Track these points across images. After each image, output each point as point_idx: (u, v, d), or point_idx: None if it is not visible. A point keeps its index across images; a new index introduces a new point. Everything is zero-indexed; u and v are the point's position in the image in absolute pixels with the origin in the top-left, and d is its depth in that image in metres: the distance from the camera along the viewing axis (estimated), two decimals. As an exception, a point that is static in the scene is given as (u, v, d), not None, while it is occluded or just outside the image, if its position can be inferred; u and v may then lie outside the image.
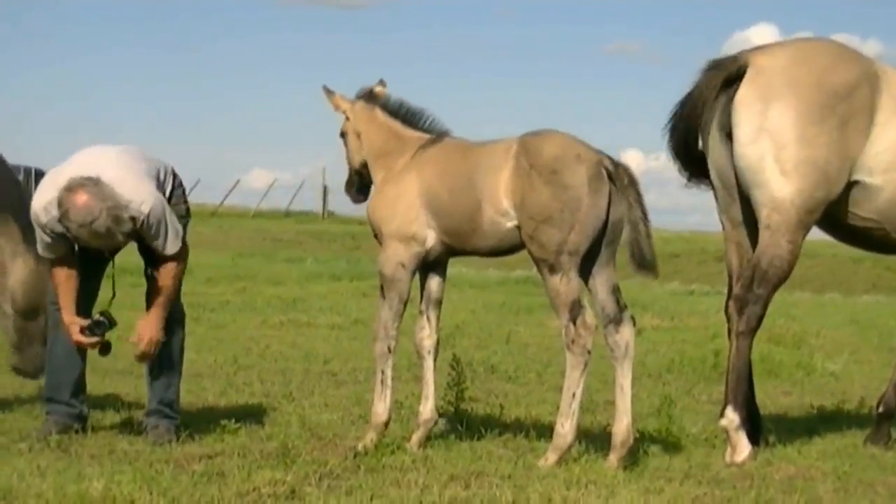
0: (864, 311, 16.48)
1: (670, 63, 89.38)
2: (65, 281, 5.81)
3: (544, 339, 11.56)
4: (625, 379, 5.54)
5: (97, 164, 5.67)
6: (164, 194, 5.89)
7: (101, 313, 5.87)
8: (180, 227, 5.86)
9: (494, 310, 14.30)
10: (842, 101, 6.03)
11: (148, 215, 5.64)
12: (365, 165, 6.17)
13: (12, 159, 7.22)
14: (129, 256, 6.22)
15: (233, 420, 6.15)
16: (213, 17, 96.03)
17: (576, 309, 5.45)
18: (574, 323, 5.44)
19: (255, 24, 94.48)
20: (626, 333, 5.54)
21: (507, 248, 5.74)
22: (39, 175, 10.15)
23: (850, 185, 6.12)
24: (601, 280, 5.59)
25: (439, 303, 6.06)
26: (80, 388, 6.11)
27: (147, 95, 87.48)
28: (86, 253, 5.82)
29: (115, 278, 5.97)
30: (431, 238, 5.84)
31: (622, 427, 5.53)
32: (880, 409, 6.66)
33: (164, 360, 6.03)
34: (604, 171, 5.46)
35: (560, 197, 5.41)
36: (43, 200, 5.65)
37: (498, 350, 10.67)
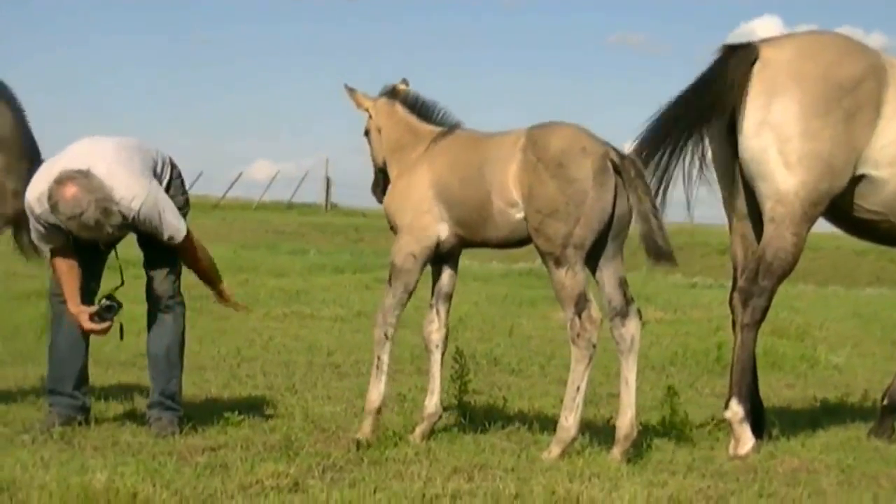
0: (867, 303, 16.46)
1: (673, 54, 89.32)
2: (66, 272, 5.81)
3: (547, 332, 11.56)
4: (630, 372, 5.54)
5: (90, 157, 5.68)
6: (161, 185, 5.88)
7: (107, 297, 5.88)
8: (181, 223, 5.84)
9: (497, 302, 14.28)
10: (847, 95, 6.02)
11: (139, 211, 5.65)
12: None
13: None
14: (133, 248, 6.22)
15: (236, 412, 6.16)
16: (216, 8, 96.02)
17: (581, 302, 5.44)
18: (579, 316, 5.44)
19: (257, 16, 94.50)
20: (631, 327, 5.54)
21: (517, 240, 5.73)
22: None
23: (856, 178, 6.11)
24: (608, 273, 5.58)
25: (449, 297, 6.07)
26: (82, 379, 6.12)
27: (149, 87, 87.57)
28: (85, 245, 5.81)
29: (121, 268, 5.97)
30: (444, 229, 5.85)
31: (626, 420, 5.53)
32: (885, 402, 6.66)
33: (165, 353, 6.04)
34: (609, 165, 5.45)
35: (565, 190, 5.40)
36: (36, 191, 5.66)
37: (501, 342, 10.67)
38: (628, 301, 5.56)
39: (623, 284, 5.58)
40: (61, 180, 5.51)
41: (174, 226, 5.80)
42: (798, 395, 8.35)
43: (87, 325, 5.82)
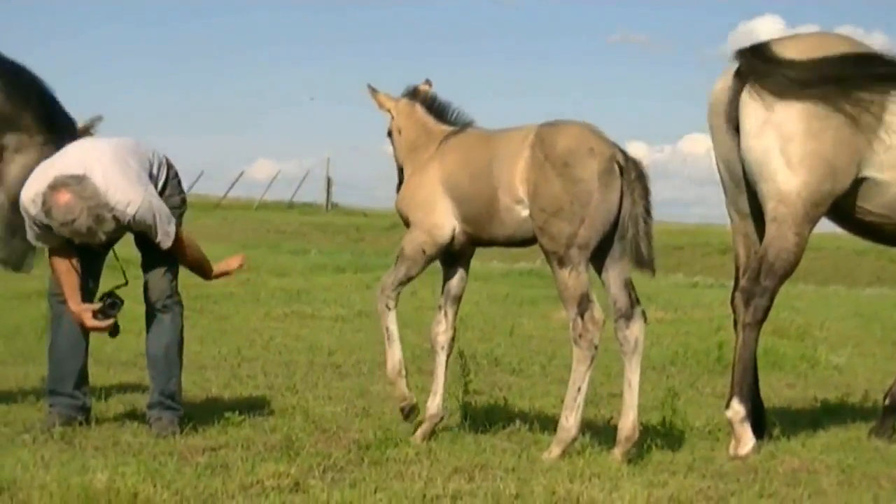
0: (868, 303, 16.45)
1: (675, 54, 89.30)
2: (65, 271, 5.82)
3: (548, 332, 11.56)
4: (633, 374, 5.53)
5: (86, 160, 5.69)
6: (156, 187, 5.90)
7: (108, 295, 5.89)
8: (172, 228, 5.85)
9: (498, 302, 14.29)
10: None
11: (134, 216, 5.67)
12: None
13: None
14: (134, 248, 6.22)
15: (236, 412, 6.16)
16: (217, 7, 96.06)
17: (584, 303, 5.44)
18: (582, 317, 5.43)
19: (258, 15, 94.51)
20: (636, 329, 5.53)
21: (522, 239, 5.72)
22: None
23: (860, 180, 6.10)
24: (614, 274, 5.58)
25: (458, 299, 6.10)
26: (82, 379, 6.12)
27: (150, 86, 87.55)
28: (83, 245, 5.81)
29: (122, 267, 5.98)
30: (453, 227, 5.87)
31: (628, 422, 5.52)
32: (887, 402, 6.65)
33: (164, 353, 6.04)
34: (616, 166, 5.44)
35: (570, 190, 5.40)
36: (31, 193, 5.67)
37: (501, 342, 10.67)
38: (633, 303, 5.56)
39: (629, 286, 5.57)
40: (55, 186, 5.54)
41: (165, 231, 5.82)
42: (798, 395, 8.34)
43: (91, 322, 5.83)
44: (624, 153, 5.51)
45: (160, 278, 6.03)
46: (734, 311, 6.27)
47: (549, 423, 6.19)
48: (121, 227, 5.74)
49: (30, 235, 5.84)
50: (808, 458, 5.85)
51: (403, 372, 6.06)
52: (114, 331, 5.97)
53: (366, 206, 39.73)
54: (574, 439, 5.58)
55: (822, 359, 10.00)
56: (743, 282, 6.21)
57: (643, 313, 5.58)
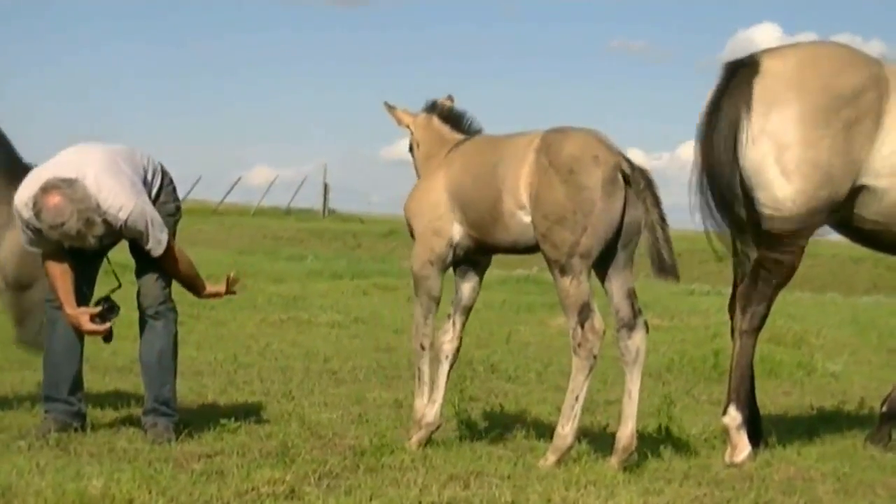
0: (864, 311, 16.45)
1: (673, 61, 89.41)
2: (60, 276, 5.82)
3: (545, 339, 11.55)
4: (633, 384, 5.53)
5: (80, 165, 5.69)
6: (150, 194, 5.90)
7: (105, 299, 5.89)
8: (164, 236, 5.85)
9: (495, 308, 14.27)
10: (847, 105, 6.01)
11: (126, 221, 5.67)
12: None
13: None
14: (128, 253, 6.21)
15: (232, 419, 6.15)
16: (215, 13, 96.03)
17: (585, 312, 5.43)
18: (582, 326, 5.42)
19: (256, 21, 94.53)
20: (637, 339, 5.53)
21: (525, 245, 5.70)
22: None
23: (857, 188, 6.11)
24: (617, 284, 5.56)
25: (468, 310, 6.10)
26: (77, 385, 6.11)
27: (148, 92, 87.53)
28: (76, 250, 5.81)
29: (115, 271, 5.98)
30: (458, 232, 5.88)
31: (627, 432, 5.51)
32: (884, 409, 6.66)
33: (157, 359, 6.04)
34: (619, 175, 5.42)
35: (574, 198, 5.38)
36: (24, 197, 5.68)
37: (498, 349, 10.65)
38: (636, 313, 5.55)
39: (631, 295, 5.55)
40: (46, 188, 5.55)
41: (157, 238, 5.81)
42: (795, 402, 8.35)
43: (88, 326, 5.83)
44: (630, 162, 5.48)
45: (153, 285, 6.02)
46: (731, 318, 6.28)
47: (545, 431, 6.18)
48: (113, 233, 5.74)
49: (23, 239, 5.85)
50: (804, 466, 5.85)
51: (429, 422, 5.95)
52: (108, 336, 5.98)
53: (363, 213, 39.74)
54: (570, 447, 5.57)
55: (819, 366, 10.00)
56: (740, 289, 6.22)
57: (645, 323, 5.57)
